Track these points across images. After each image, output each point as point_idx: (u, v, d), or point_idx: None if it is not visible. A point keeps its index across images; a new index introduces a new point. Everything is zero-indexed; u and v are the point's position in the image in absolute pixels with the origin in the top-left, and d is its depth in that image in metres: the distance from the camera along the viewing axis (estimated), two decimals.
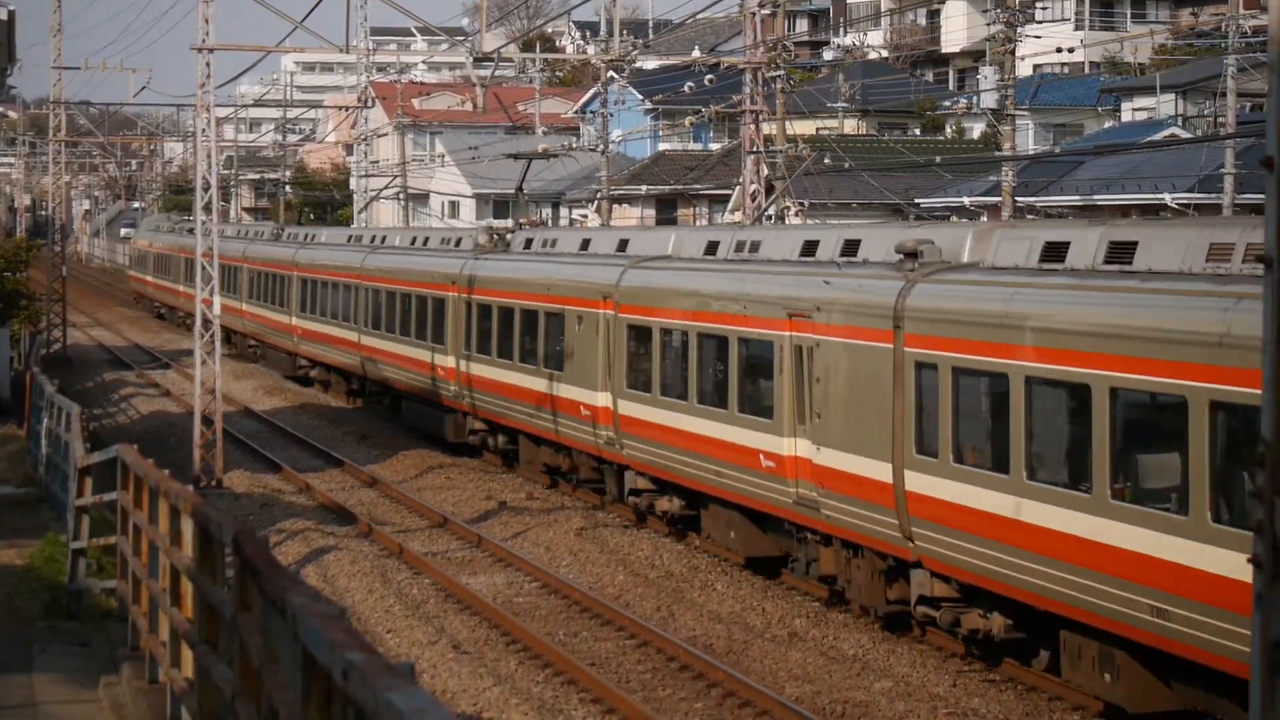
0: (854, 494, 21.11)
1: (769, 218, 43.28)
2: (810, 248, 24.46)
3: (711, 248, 27.90)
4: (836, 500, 21.53)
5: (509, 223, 43.62)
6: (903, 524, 20.06)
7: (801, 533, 23.06)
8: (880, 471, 20.46)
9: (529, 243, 36.61)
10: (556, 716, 18.47)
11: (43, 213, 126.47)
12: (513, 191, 48.65)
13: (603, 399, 28.86)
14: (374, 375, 43.29)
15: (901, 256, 21.07)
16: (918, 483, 19.79)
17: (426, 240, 44.18)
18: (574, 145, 72.99)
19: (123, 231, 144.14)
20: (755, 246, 26.28)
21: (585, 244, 33.53)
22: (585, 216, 74.89)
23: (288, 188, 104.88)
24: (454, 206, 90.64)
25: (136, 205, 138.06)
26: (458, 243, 40.65)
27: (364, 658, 5.94)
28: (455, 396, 36.39)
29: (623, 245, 31.58)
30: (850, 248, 23.29)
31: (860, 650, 20.96)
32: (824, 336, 21.88)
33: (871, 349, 20.71)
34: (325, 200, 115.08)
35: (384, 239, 47.67)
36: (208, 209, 34.55)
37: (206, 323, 34.25)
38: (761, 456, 23.42)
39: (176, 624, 12.88)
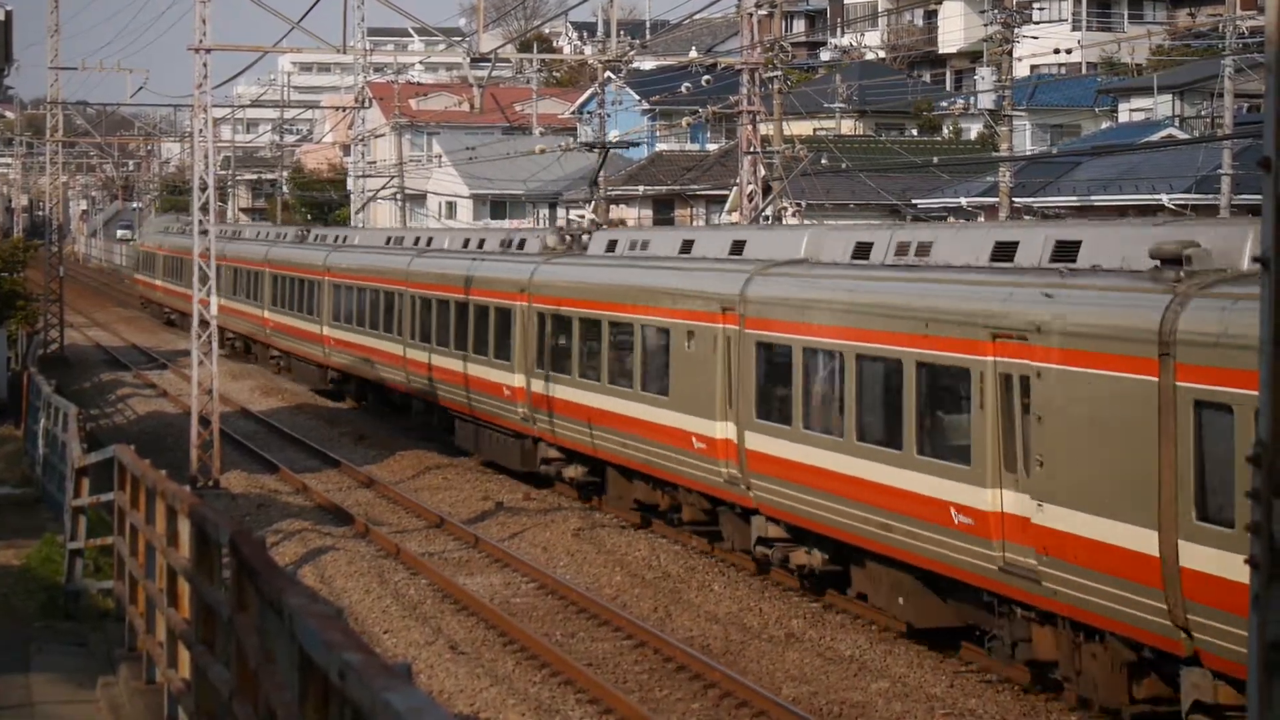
0: (1098, 566, 16.77)
1: (766, 218, 43.28)
2: (1005, 251, 20.08)
3: (862, 250, 23.08)
4: (1068, 572, 17.19)
5: (582, 220, 42.72)
6: (1175, 610, 15.78)
7: (1007, 606, 18.74)
8: (1140, 540, 16.14)
9: (611, 244, 31.82)
10: (554, 717, 18.46)
11: (40, 213, 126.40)
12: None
13: (723, 430, 24.41)
14: (420, 392, 39.15)
15: (1158, 263, 16.91)
16: (1200, 559, 15.51)
17: (482, 242, 39.54)
18: (571, 145, 72.86)
19: (119, 233, 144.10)
20: (924, 249, 21.80)
21: (687, 246, 28.45)
22: (582, 217, 74.91)
23: (285, 188, 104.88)
24: (451, 207, 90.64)
25: (135, 206, 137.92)
26: (521, 245, 36.24)
27: (361, 658, 5.93)
28: (524, 420, 32.28)
29: (738, 248, 26.45)
30: (1066, 251, 18.95)
31: (857, 651, 20.95)
32: (1048, 364, 17.51)
33: (1124, 382, 16.36)
34: (322, 201, 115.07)
35: (430, 241, 43.80)
36: (205, 209, 34.52)
37: (204, 323, 34.20)
38: (952, 510, 19.10)
39: (174, 624, 12.88)
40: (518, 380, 32.41)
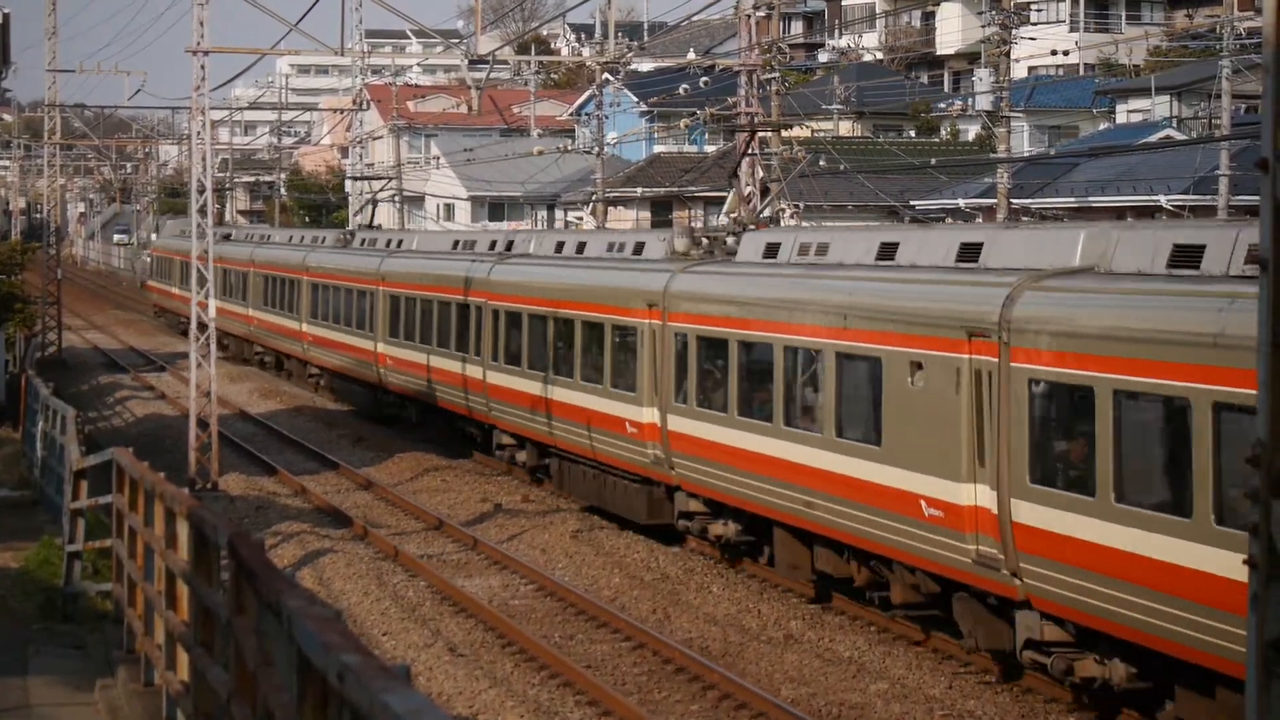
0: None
1: (765, 220, 43.27)
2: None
3: (1186, 255, 16.82)
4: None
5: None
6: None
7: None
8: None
9: (772, 248, 25.23)
10: (553, 719, 18.46)
11: (38, 216, 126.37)
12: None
13: (970, 494, 18.31)
14: (505, 423, 33.68)
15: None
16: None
17: (582, 246, 33.01)
18: (569, 147, 72.90)
19: (116, 237, 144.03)
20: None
21: (888, 250, 22.13)
22: (580, 219, 74.93)
23: (282, 190, 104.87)
24: (449, 209, 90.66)
25: (135, 209, 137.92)
26: (638, 249, 30.05)
27: (359, 660, 5.93)
28: (655, 464, 26.52)
29: (970, 252, 20.38)
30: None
31: (856, 652, 20.95)
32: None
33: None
34: (320, 203, 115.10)
35: (511, 245, 37.68)
36: (203, 211, 34.52)
37: (202, 325, 34.20)
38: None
39: (172, 626, 12.87)
40: (647, 415, 26.61)
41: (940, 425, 18.82)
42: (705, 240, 29.00)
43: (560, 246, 34.12)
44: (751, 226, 28.42)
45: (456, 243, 42.26)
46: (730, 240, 28.45)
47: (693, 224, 47.48)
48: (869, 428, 20.61)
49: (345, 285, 45.01)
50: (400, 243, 46.33)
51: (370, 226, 55.45)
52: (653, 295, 26.67)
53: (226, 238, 63.90)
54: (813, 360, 21.98)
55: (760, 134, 39.38)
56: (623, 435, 27.34)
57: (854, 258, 22.68)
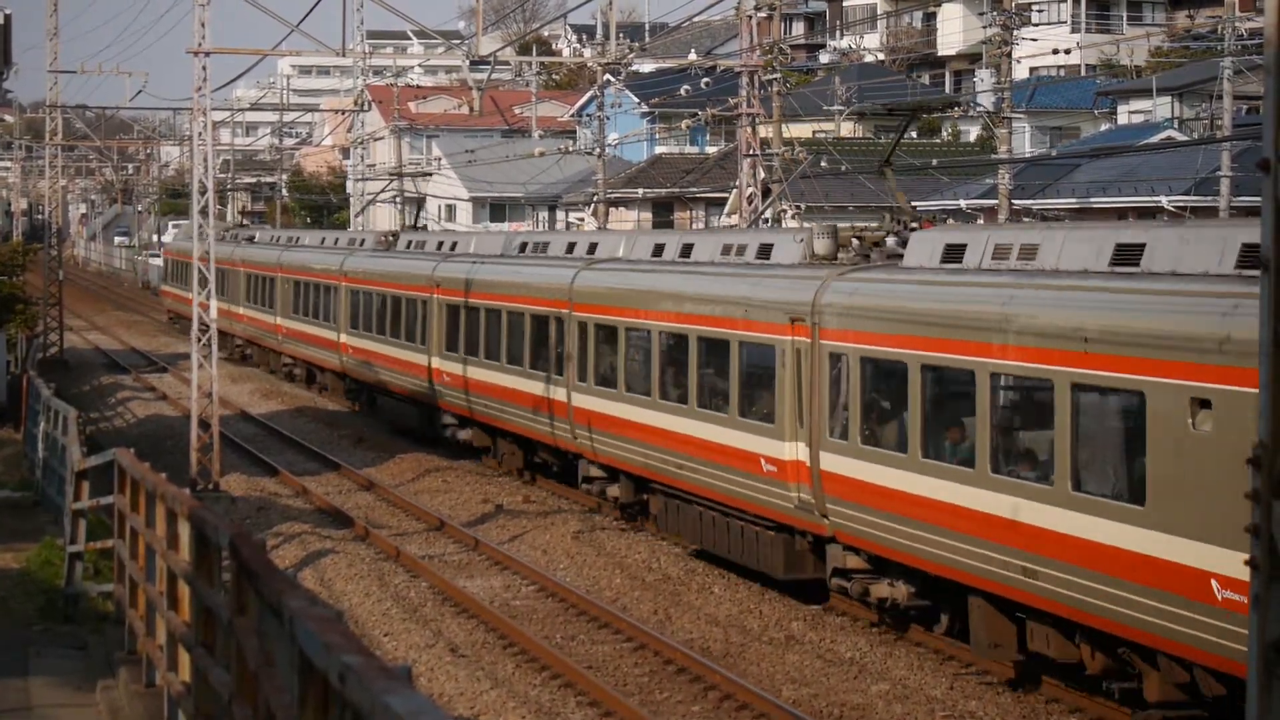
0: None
1: (766, 221, 43.32)
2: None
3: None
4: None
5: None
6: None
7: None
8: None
9: (953, 252, 20.64)
10: (554, 719, 18.47)
11: (39, 216, 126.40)
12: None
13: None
14: (596, 453, 29.01)
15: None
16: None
17: (689, 249, 27.99)
18: (570, 148, 72.90)
19: (116, 239, 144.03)
20: None
21: (1128, 254, 17.55)
22: (582, 220, 74.96)
23: (284, 191, 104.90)
24: (450, 210, 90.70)
25: (137, 210, 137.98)
26: (763, 252, 25.16)
27: (361, 660, 5.93)
28: (801, 510, 22.17)
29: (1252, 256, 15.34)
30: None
31: (857, 653, 20.95)
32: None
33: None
34: (322, 204, 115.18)
35: (594, 247, 32.31)
36: (204, 212, 34.54)
37: (204, 326, 34.20)
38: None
39: (173, 627, 12.88)
40: (789, 451, 22.36)
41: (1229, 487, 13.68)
42: (856, 241, 23.88)
43: (659, 249, 29.03)
44: (915, 225, 23.20)
45: (524, 245, 36.41)
46: (891, 241, 23.18)
47: (778, 211, 43.60)
48: (1134, 480, 16.19)
49: (391, 292, 40.96)
50: (454, 245, 41.19)
51: (415, 227, 50.45)
52: (797, 308, 22.11)
53: (251, 239, 61.65)
54: (1035, 391, 18.00)
55: (761, 134, 39.31)
56: (755, 474, 23.15)
57: (1077, 262, 18.18)
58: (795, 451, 22.22)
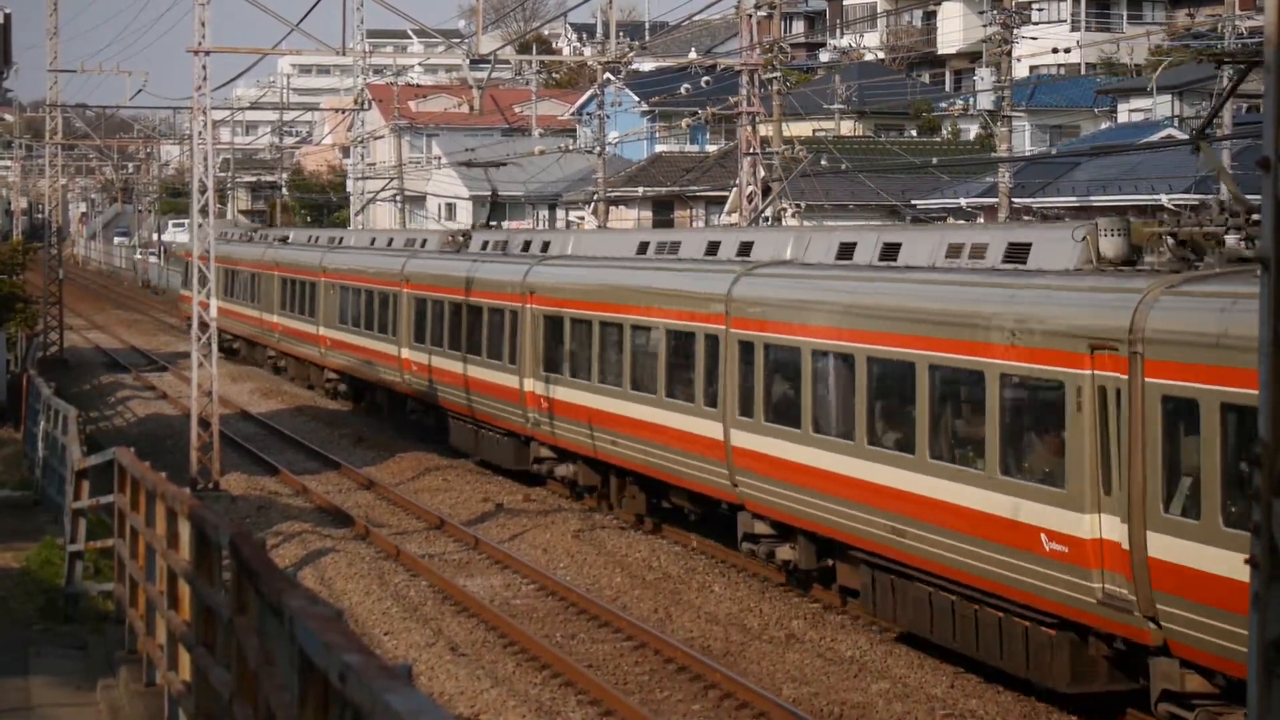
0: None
1: (766, 220, 43.30)
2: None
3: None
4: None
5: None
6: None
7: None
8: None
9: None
10: (554, 718, 18.47)
11: (39, 215, 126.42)
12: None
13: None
14: (765, 506, 23.61)
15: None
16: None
17: (892, 250, 22.68)
18: (570, 147, 72.91)
19: (116, 239, 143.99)
20: None
21: None
22: (582, 219, 74.96)
23: (284, 190, 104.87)
24: (450, 209, 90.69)
25: (137, 209, 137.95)
26: (1013, 254, 19.97)
27: (361, 659, 5.93)
28: (1109, 607, 16.68)
29: None
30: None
31: (858, 652, 20.95)
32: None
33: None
34: (322, 203, 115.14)
35: (747, 247, 27.14)
36: (204, 211, 34.54)
37: (203, 325, 34.20)
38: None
39: (174, 626, 12.87)
40: (1089, 527, 16.94)
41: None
42: (1171, 240, 18.13)
43: (847, 250, 23.75)
44: (1251, 218, 17.43)
45: (644, 244, 31.02)
46: (1234, 240, 17.55)
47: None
48: None
49: (470, 301, 35.51)
50: (546, 245, 35.92)
51: (489, 225, 44.42)
52: (1102, 335, 16.79)
53: (284, 240, 57.14)
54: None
55: (761, 133, 39.26)
56: (1032, 553, 17.67)
57: None
58: (1098, 528, 16.72)
